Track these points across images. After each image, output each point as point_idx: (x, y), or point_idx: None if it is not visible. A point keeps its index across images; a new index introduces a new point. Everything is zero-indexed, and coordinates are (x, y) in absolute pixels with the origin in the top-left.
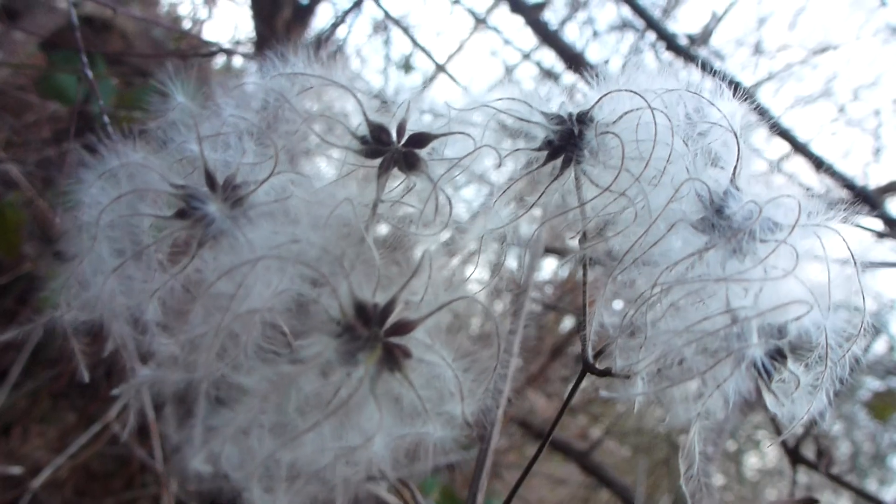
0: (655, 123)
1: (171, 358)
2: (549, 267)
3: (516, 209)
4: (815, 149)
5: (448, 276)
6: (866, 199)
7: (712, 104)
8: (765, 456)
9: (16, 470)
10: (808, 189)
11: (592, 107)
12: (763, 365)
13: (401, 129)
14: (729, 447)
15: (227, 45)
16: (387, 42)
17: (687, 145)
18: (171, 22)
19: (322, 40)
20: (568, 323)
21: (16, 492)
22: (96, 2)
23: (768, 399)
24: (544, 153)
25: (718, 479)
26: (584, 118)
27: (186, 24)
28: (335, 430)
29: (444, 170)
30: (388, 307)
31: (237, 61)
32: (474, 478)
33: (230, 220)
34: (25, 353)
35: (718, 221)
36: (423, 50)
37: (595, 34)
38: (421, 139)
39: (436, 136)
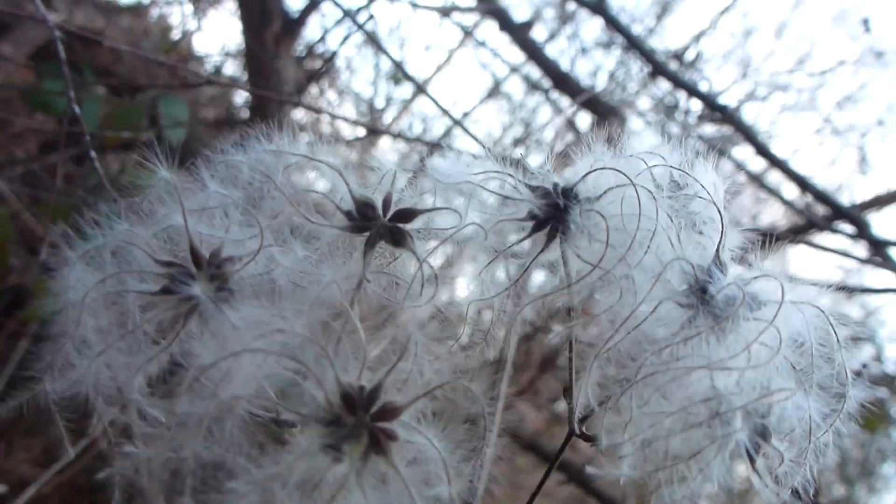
0: (639, 201)
1: (157, 436)
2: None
3: (502, 281)
4: (798, 165)
5: (434, 354)
6: (849, 217)
7: (696, 180)
8: None
9: (1, 488)
10: (790, 205)
11: (577, 182)
12: (747, 448)
13: (386, 204)
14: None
15: (217, 61)
16: (376, 53)
17: (671, 218)
18: (161, 32)
19: (311, 52)
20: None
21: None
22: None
23: (753, 479)
24: (530, 223)
25: None
26: (568, 192)
27: (176, 35)
28: None
29: (430, 244)
30: (375, 392)
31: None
32: None
33: (214, 301)
34: (10, 367)
35: (702, 301)
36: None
37: (582, 51)
38: (406, 214)
39: (421, 212)
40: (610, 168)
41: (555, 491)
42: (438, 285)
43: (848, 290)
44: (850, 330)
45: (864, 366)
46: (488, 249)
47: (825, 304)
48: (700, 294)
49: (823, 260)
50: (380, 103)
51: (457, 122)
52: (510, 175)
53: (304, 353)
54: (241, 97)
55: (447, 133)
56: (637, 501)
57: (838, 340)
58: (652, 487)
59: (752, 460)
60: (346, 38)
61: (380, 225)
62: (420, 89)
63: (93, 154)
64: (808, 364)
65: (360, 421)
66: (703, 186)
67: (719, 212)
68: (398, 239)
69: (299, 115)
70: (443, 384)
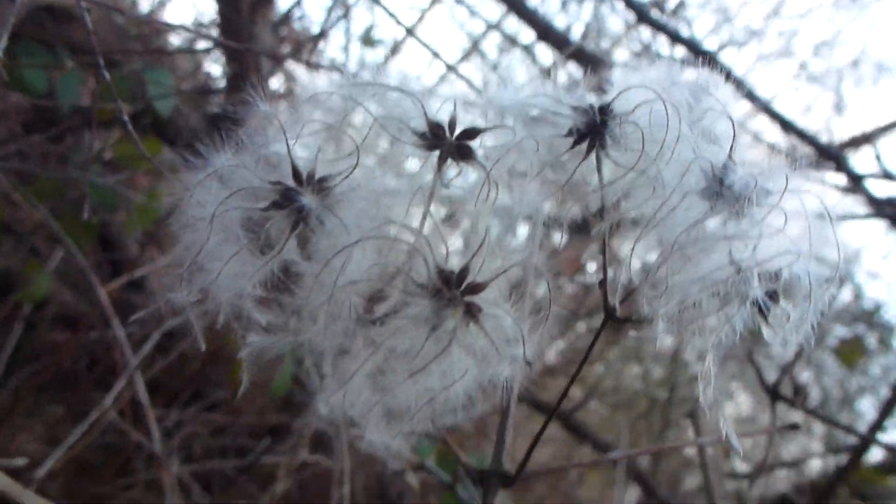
0: (667, 113)
1: (275, 328)
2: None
3: (547, 190)
4: (779, 107)
5: (501, 246)
6: (830, 156)
7: (710, 94)
8: (739, 405)
9: (20, 461)
10: (774, 148)
11: (613, 100)
12: (762, 303)
13: (451, 125)
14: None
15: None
16: (347, 16)
17: (690, 129)
18: (131, 5)
19: (287, 20)
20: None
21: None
22: None
23: (766, 331)
24: (570, 140)
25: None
26: (605, 109)
27: (146, 6)
28: (427, 377)
29: (491, 159)
30: (463, 272)
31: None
32: (496, 449)
33: (322, 208)
34: (7, 351)
35: (721, 190)
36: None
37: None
38: (471, 133)
39: (483, 130)
40: (638, 86)
41: (553, 436)
42: (500, 191)
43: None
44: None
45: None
46: (540, 161)
47: (820, 191)
48: (718, 186)
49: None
50: (353, 67)
51: (450, 68)
52: (552, 97)
53: (408, 239)
54: (218, 67)
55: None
56: (631, 440)
57: (831, 220)
58: (685, 341)
59: (764, 316)
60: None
61: (449, 143)
62: (409, 33)
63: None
64: (807, 240)
65: (455, 295)
66: (716, 99)
67: (731, 120)
68: (465, 154)
69: (276, 83)
70: (514, 264)
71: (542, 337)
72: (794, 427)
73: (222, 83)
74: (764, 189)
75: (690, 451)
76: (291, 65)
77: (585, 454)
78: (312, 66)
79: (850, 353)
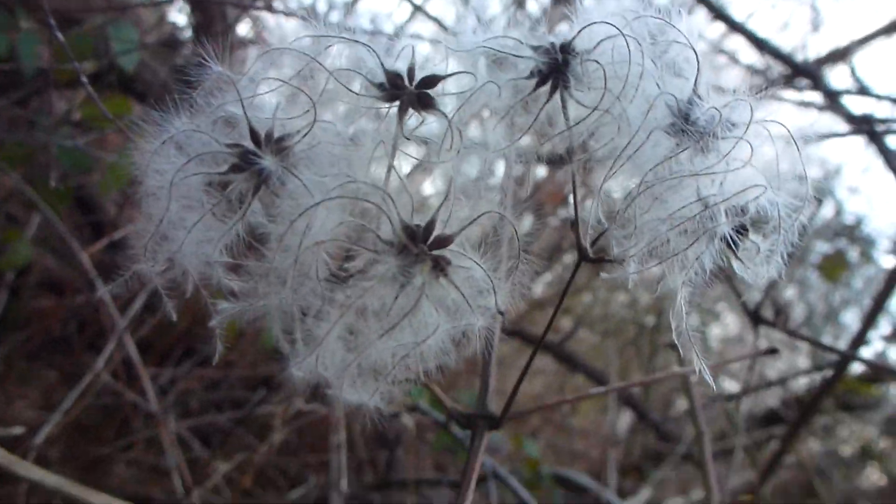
0: (629, 49)
1: (245, 293)
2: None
3: (513, 132)
4: (755, 25)
5: (468, 196)
6: (807, 74)
7: (674, 26)
8: (727, 326)
9: (18, 430)
10: (750, 68)
11: (574, 38)
12: (730, 238)
13: (410, 74)
14: (693, 321)
15: None
16: None
17: (654, 63)
18: None
19: None
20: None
21: (17, 451)
22: None
23: (736, 265)
24: (533, 81)
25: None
26: (567, 48)
27: None
28: (399, 334)
29: (453, 105)
30: (429, 227)
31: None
32: (480, 393)
33: (282, 169)
34: None
35: (686, 126)
36: None
37: None
38: (430, 81)
39: (442, 77)
40: (600, 22)
41: (544, 368)
42: (462, 140)
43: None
44: (811, 142)
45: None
46: (504, 105)
47: (789, 122)
48: (684, 121)
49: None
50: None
51: (417, 8)
52: (514, 38)
53: (371, 197)
54: (183, 17)
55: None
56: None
57: (798, 149)
58: (656, 280)
59: (734, 250)
60: None
61: (409, 92)
62: None
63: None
64: (775, 171)
65: (422, 250)
66: (679, 31)
67: (695, 52)
68: (426, 103)
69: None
70: (483, 213)
71: (515, 284)
72: (773, 351)
73: (188, 33)
74: (729, 122)
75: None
76: (259, 10)
77: (577, 383)
78: (279, 11)
79: (833, 268)
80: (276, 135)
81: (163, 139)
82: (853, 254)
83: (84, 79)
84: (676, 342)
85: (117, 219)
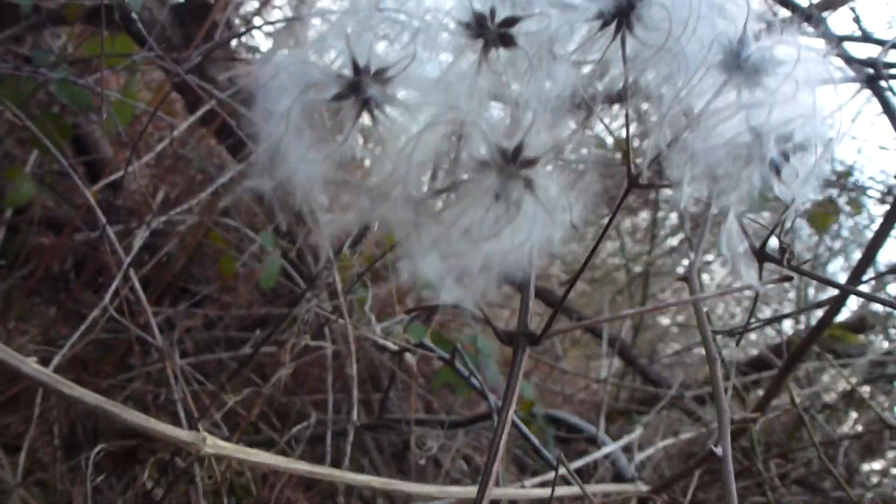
0: None
1: (347, 207)
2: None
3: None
4: None
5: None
6: (808, 18)
7: None
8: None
9: (32, 360)
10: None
11: None
12: (776, 162)
13: (493, 14)
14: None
15: None
16: None
17: (709, 8)
18: None
19: None
20: None
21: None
22: None
23: (778, 187)
24: (599, 23)
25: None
26: None
27: None
28: (494, 242)
29: (532, 44)
30: (518, 149)
31: None
32: (522, 312)
33: (384, 96)
34: None
35: (737, 63)
36: None
37: None
38: (511, 21)
39: (521, 18)
40: None
41: (537, 311)
42: (539, 74)
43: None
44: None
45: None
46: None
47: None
48: (735, 59)
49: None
50: None
51: None
52: None
53: (469, 120)
54: None
55: None
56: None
57: (834, 85)
58: (707, 199)
59: (778, 174)
60: None
61: (492, 31)
62: None
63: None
64: (812, 104)
65: (515, 169)
66: None
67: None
68: (507, 41)
69: None
70: (562, 141)
71: (585, 206)
72: (787, 279)
73: None
74: (776, 60)
75: (665, 321)
76: None
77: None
78: None
79: (823, 217)
80: (376, 67)
81: (275, 69)
82: (842, 203)
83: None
84: (726, 251)
85: (112, 160)
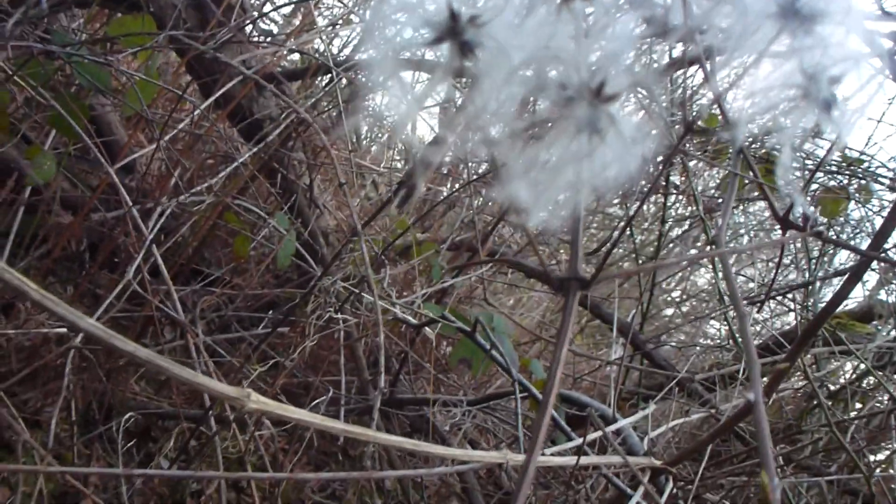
0: None
1: (442, 140)
2: None
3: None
4: None
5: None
6: None
7: None
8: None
9: (62, 330)
10: None
11: None
12: (826, 102)
13: None
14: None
15: None
16: None
17: None
18: None
19: None
20: None
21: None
22: None
23: (826, 125)
24: None
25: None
26: None
27: None
28: (581, 169)
29: None
30: (601, 86)
31: None
32: (572, 256)
33: (481, 39)
34: (11, 235)
35: (792, 11)
36: None
37: None
38: None
39: None
40: None
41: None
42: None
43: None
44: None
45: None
46: None
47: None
48: (791, 7)
49: None
50: None
51: None
52: None
53: (562, 57)
54: None
55: None
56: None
57: (877, 34)
58: (761, 135)
59: (828, 113)
60: None
61: None
62: None
63: None
64: (859, 51)
65: (598, 103)
66: None
67: None
68: None
69: None
70: (640, 79)
71: (655, 142)
72: (818, 234)
73: None
74: (827, 10)
75: (669, 312)
76: None
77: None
78: None
79: (833, 203)
80: (469, 14)
81: (377, 17)
82: (852, 189)
83: None
84: (782, 181)
85: (126, 143)
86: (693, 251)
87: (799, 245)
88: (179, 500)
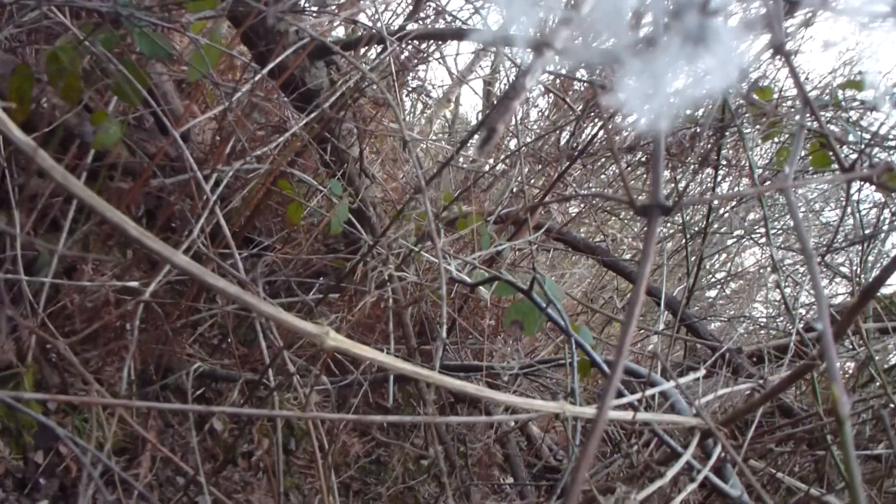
0: None
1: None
2: None
3: None
4: None
5: None
6: None
7: None
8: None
9: (134, 283)
10: None
11: None
12: None
13: None
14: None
15: None
16: None
17: None
18: None
19: None
20: None
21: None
22: None
23: None
24: None
25: None
26: None
27: None
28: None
29: None
30: (706, 3)
31: None
32: (654, 183)
33: None
34: (73, 201)
35: None
36: None
37: None
38: None
39: None
40: None
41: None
42: None
43: None
44: None
45: None
46: None
47: None
48: None
49: None
50: None
51: None
52: None
53: None
54: None
55: None
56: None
57: None
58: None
59: None
60: None
61: None
62: None
63: None
64: None
65: (701, 17)
66: None
67: None
68: None
69: None
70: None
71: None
72: (891, 169)
73: None
74: None
75: (712, 294)
76: None
77: (618, 285)
78: None
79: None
80: None
81: None
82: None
83: None
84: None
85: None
86: (738, 232)
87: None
88: (232, 460)
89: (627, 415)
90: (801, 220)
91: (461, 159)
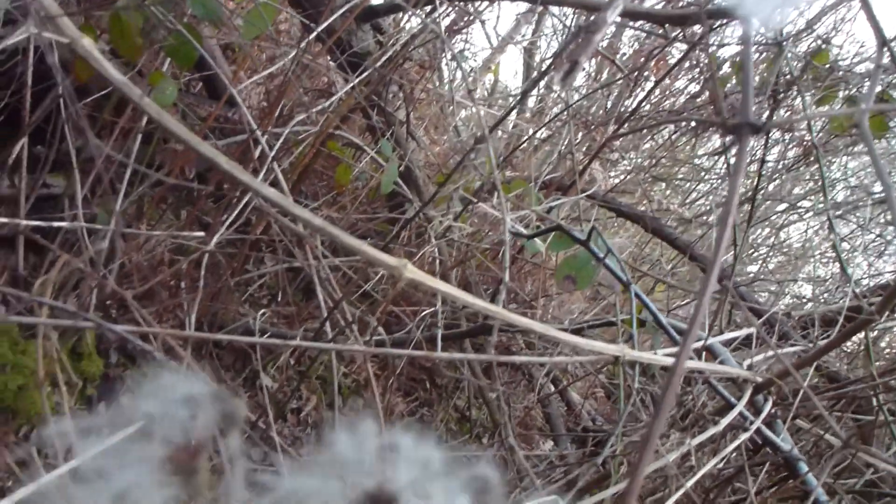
0: None
1: None
2: None
3: None
4: None
5: None
6: None
7: None
8: None
9: (199, 234)
10: None
11: None
12: None
13: None
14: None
15: None
16: None
17: None
18: None
19: None
20: None
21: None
22: None
23: None
24: None
25: None
26: None
27: None
28: None
29: None
30: None
31: None
32: (743, 102)
33: None
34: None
35: None
36: None
37: None
38: None
39: None
40: None
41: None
42: None
43: None
44: None
45: None
46: None
47: None
48: None
49: None
50: None
51: None
52: None
53: None
54: None
55: None
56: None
57: None
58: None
59: None
60: None
61: None
62: None
63: None
64: None
65: None
66: None
67: None
68: None
69: None
70: None
71: None
72: None
73: None
74: None
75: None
76: None
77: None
78: None
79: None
80: None
81: None
82: None
83: None
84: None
85: (237, 74)
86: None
87: None
88: (281, 415)
89: (690, 363)
90: (876, 152)
91: (511, 124)
